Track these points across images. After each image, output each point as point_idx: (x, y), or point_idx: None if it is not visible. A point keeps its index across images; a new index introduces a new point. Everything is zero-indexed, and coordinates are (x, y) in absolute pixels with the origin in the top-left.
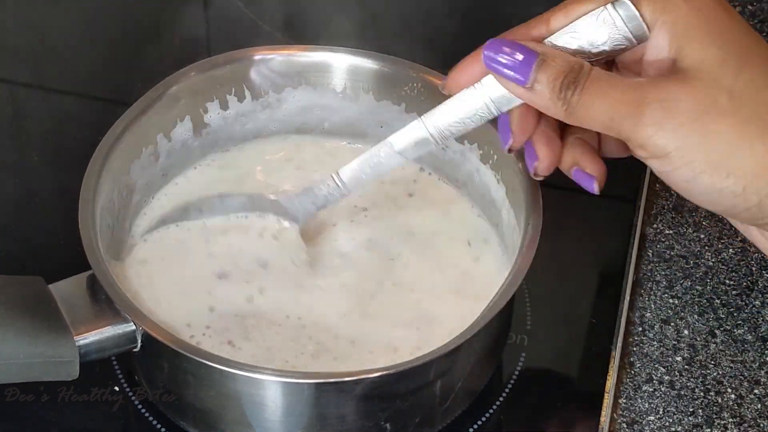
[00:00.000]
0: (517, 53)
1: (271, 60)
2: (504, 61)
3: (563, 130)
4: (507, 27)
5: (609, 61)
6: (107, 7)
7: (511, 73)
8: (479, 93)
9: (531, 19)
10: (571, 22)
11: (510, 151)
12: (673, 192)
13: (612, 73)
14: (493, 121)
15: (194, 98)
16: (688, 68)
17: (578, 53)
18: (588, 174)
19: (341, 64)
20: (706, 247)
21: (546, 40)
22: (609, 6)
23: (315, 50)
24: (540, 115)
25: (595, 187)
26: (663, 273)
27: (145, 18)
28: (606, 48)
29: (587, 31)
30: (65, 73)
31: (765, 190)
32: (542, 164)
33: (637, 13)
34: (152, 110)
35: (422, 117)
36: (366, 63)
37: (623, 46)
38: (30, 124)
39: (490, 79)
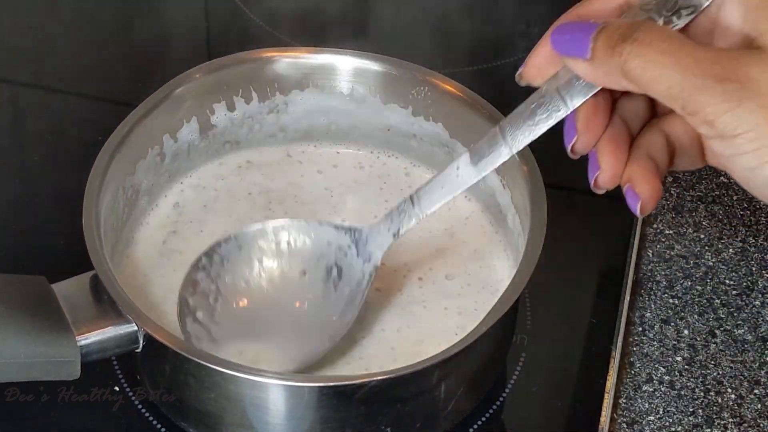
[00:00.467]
0: (582, 28)
1: (279, 61)
2: (567, 39)
3: (632, 143)
4: (512, 29)
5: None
6: (107, 7)
7: (574, 48)
8: (549, 86)
9: None
10: None
11: (573, 152)
12: (673, 192)
13: (681, 35)
14: None
15: (201, 99)
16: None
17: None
18: (635, 193)
19: (348, 67)
20: (706, 247)
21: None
22: None
23: (322, 52)
24: (609, 117)
25: (637, 209)
26: (663, 273)
27: (146, 18)
28: (680, 7)
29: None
30: (65, 73)
31: None
32: (604, 175)
33: None
34: (158, 111)
35: (498, 125)
36: (373, 66)
37: (693, 11)
38: (30, 124)
39: (563, 72)
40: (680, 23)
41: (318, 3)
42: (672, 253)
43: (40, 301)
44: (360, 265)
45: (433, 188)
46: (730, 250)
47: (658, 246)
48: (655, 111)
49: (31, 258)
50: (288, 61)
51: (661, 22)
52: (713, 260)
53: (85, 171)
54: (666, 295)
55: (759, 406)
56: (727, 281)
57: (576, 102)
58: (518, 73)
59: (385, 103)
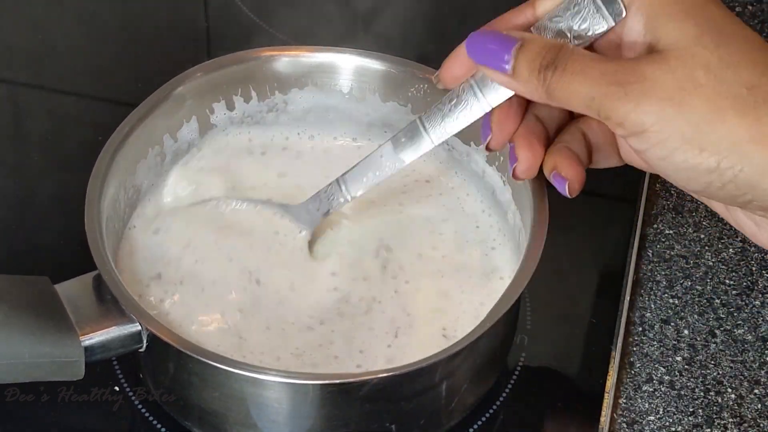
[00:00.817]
0: (498, 41)
1: (278, 60)
2: (485, 50)
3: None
4: None
5: (587, 47)
6: (107, 7)
7: (493, 61)
8: (469, 86)
9: (517, 6)
10: (556, 5)
11: (488, 149)
12: (673, 192)
13: (592, 53)
14: None
15: (200, 99)
16: (666, 47)
17: (559, 37)
18: (562, 177)
19: (348, 65)
20: (706, 247)
21: (531, 28)
22: None
23: (322, 51)
24: (521, 117)
25: (566, 190)
26: (663, 273)
27: (146, 18)
28: (586, 31)
29: (567, 15)
30: (65, 73)
31: (739, 165)
32: (520, 166)
33: None
34: (158, 110)
35: (419, 117)
36: (373, 64)
37: (603, 29)
38: (30, 124)
39: (480, 72)
40: (586, 40)
41: (317, 2)
42: (672, 253)
43: (44, 302)
44: (295, 234)
45: (358, 174)
46: (730, 250)
47: (658, 246)
48: (572, 114)
49: (33, 258)
50: (287, 60)
51: (570, 36)
52: (713, 260)
53: (85, 171)
54: (666, 295)
55: (759, 406)
56: (727, 281)
57: (492, 99)
58: (435, 75)
59: (384, 101)
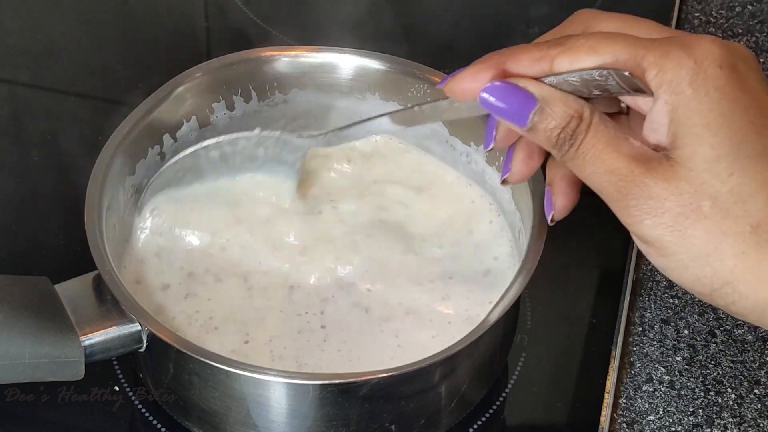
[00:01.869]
0: (515, 98)
1: (278, 60)
2: (502, 105)
3: None
4: (512, 29)
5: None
6: (107, 7)
7: (510, 117)
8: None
9: (533, 49)
10: (575, 71)
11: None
12: None
13: (610, 129)
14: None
15: (200, 98)
16: (680, 161)
17: (577, 92)
18: (551, 200)
19: (348, 65)
20: None
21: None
22: (613, 72)
23: (322, 51)
24: (542, 158)
25: (548, 218)
26: None
27: (145, 18)
28: (605, 95)
29: (588, 81)
30: (65, 73)
31: (731, 299)
32: (512, 177)
33: (640, 84)
34: (158, 110)
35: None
36: (373, 64)
37: (624, 95)
38: (30, 124)
39: None
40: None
41: (317, 2)
42: None
43: (44, 302)
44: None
45: (352, 132)
46: None
47: None
48: None
49: (33, 258)
50: (287, 60)
51: (588, 92)
52: None
53: (85, 171)
54: (666, 295)
55: (759, 406)
56: None
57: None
58: (444, 83)
59: (384, 101)
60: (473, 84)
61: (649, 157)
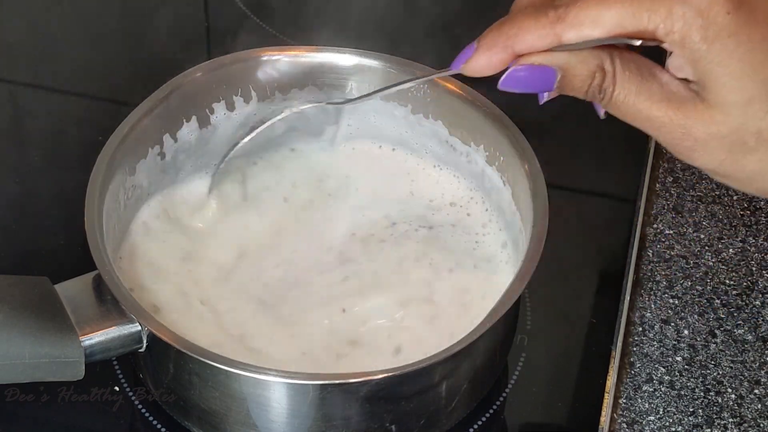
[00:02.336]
0: (535, 77)
1: (278, 60)
2: (525, 88)
3: None
4: None
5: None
6: (107, 7)
7: (537, 91)
8: None
9: (534, 26)
10: (584, 41)
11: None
12: (673, 192)
13: (636, 74)
14: (498, 123)
15: (201, 99)
16: (713, 105)
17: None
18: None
19: (348, 65)
20: (706, 247)
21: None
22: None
23: (322, 51)
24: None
25: (458, 66)
26: (663, 273)
27: (145, 18)
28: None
29: (601, 41)
30: (65, 73)
31: None
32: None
33: (653, 43)
34: (159, 110)
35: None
36: (373, 64)
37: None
38: (30, 124)
39: None
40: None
41: (317, 2)
42: (672, 253)
43: (44, 302)
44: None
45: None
46: (730, 250)
47: (658, 246)
48: None
49: (33, 258)
50: (287, 60)
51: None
52: (713, 260)
53: (85, 171)
54: (666, 295)
55: (759, 406)
56: (727, 281)
57: None
58: (458, 68)
59: (384, 100)
60: (489, 64)
61: (683, 97)
